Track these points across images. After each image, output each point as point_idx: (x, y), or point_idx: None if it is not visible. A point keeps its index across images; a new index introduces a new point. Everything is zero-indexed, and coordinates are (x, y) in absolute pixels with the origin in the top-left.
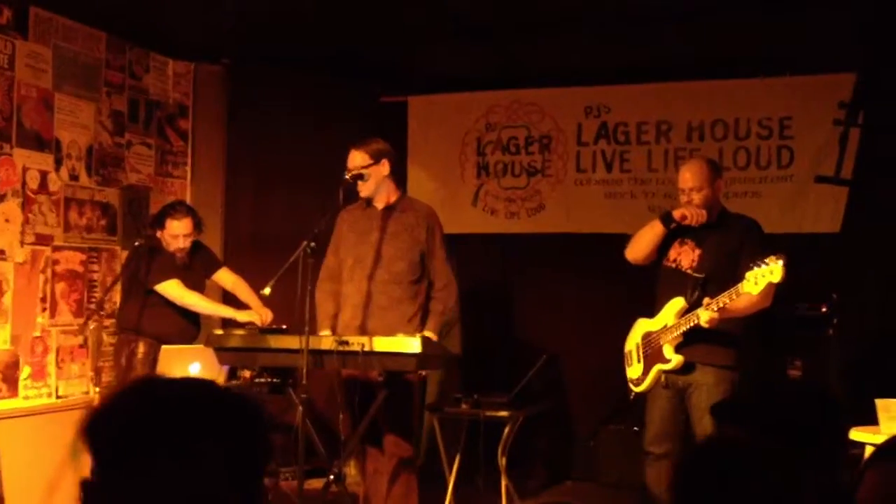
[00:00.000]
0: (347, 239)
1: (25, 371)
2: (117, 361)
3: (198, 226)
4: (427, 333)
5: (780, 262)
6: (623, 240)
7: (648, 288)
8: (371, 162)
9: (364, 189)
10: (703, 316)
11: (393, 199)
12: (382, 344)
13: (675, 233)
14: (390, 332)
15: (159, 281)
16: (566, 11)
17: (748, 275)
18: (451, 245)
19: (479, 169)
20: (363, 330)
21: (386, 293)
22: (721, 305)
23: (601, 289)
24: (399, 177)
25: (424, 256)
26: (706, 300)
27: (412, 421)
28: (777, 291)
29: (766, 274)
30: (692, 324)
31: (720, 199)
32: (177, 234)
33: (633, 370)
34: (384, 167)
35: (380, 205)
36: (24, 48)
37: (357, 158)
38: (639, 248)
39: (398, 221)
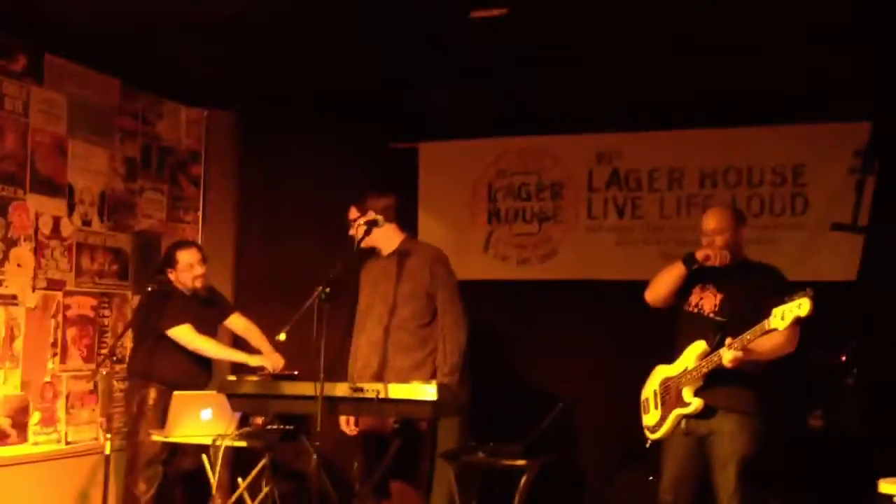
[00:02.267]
0: (364, 290)
1: (35, 416)
2: (128, 408)
3: (204, 258)
4: None
5: (808, 297)
6: (635, 287)
7: (661, 335)
8: (358, 215)
9: (358, 242)
10: (727, 356)
11: (396, 243)
12: (398, 391)
13: (696, 278)
14: (400, 379)
15: (172, 325)
16: (576, 56)
17: (775, 311)
18: (463, 291)
19: (490, 215)
20: (376, 378)
21: (395, 341)
22: (746, 343)
23: (613, 336)
24: (405, 221)
25: (432, 298)
26: (729, 340)
27: (423, 472)
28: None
29: (794, 308)
30: (714, 364)
31: (742, 248)
32: (191, 262)
33: (650, 417)
34: (369, 216)
35: (384, 252)
36: (39, 94)
37: (350, 213)
38: (659, 290)
39: (402, 266)
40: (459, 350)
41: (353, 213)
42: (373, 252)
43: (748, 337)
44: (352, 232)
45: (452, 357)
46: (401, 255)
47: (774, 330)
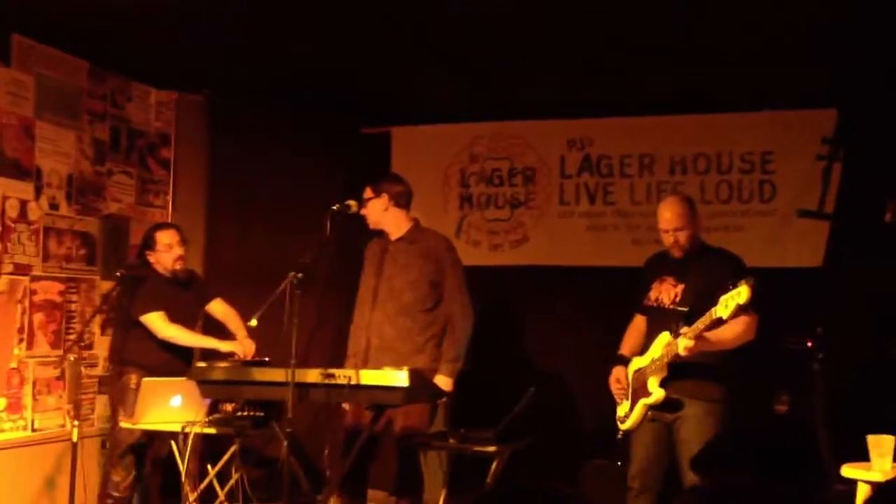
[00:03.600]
0: (367, 271)
1: (1, 403)
2: (111, 393)
3: (183, 240)
4: (440, 378)
5: (747, 285)
6: (606, 273)
7: (630, 320)
8: (372, 196)
9: (369, 221)
10: (681, 343)
11: (404, 230)
12: (369, 377)
13: (653, 272)
14: (399, 362)
15: (143, 312)
16: (549, 44)
17: (720, 299)
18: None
19: (462, 200)
20: (371, 360)
21: (395, 324)
22: (698, 331)
23: (584, 322)
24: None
25: (437, 286)
26: (683, 329)
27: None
28: (761, 325)
29: (735, 296)
30: (673, 353)
31: (700, 234)
32: (170, 242)
33: (622, 407)
34: (383, 200)
35: (392, 236)
36: (6, 75)
37: (365, 192)
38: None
39: (408, 253)
40: (466, 338)
41: (368, 192)
42: (380, 235)
43: (699, 326)
44: (363, 211)
45: (459, 345)
46: (409, 241)
47: (720, 318)
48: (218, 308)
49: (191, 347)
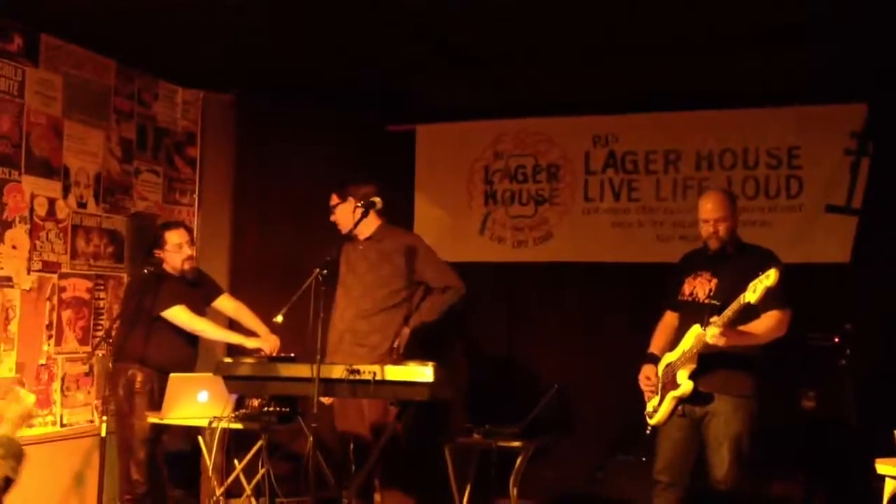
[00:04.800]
0: (342, 271)
1: (31, 399)
2: (115, 390)
3: (192, 239)
4: (402, 336)
5: (775, 268)
6: (631, 269)
7: (657, 317)
8: (338, 201)
9: (340, 226)
10: (709, 332)
11: (373, 229)
12: (394, 373)
13: (688, 268)
14: (372, 354)
15: (167, 307)
16: (572, 41)
17: (749, 285)
18: (459, 273)
19: (487, 197)
20: (346, 355)
21: (369, 319)
22: (727, 319)
23: (609, 318)
24: (399, 205)
25: (410, 281)
26: (713, 318)
27: (412, 476)
28: (791, 321)
29: (763, 280)
30: (702, 343)
31: (737, 230)
32: (179, 242)
33: (652, 403)
34: (350, 204)
35: (362, 237)
36: (35, 75)
37: (331, 199)
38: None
39: (378, 250)
40: (445, 304)
41: (334, 199)
42: (349, 237)
43: (729, 314)
44: (333, 218)
45: (434, 305)
46: (377, 239)
47: (748, 303)
48: (227, 304)
49: (194, 346)
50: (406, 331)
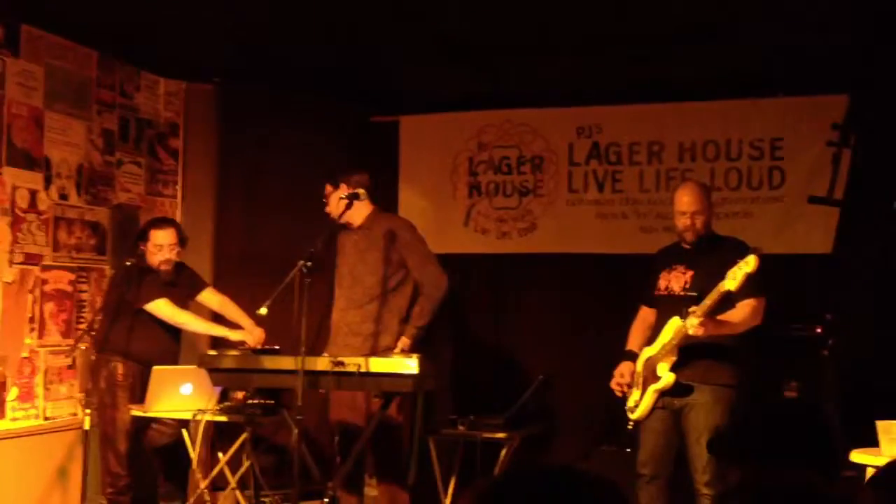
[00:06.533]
0: (337, 262)
1: (13, 392)
2: (96, 383)
3: (182, 241)
4: (402, 339)
5: (754, 254)
6: (615, 260)
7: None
8: (331, 190)
9: (333, 215)
10: (690, 322)
11: (364, 216)
12: (379, 365)
13: (662, 262)
14: (365, 344)
15: (149, 300)
16: (557, 32)
17: (727, 273)
18: (443, 265)
19: (471, 189)
20: (343, 345)
21: (361, 308)
22: (706, 309)
23: (593, 309)
24: (387, 195)
25: (399, 265)
26: (692, 308)
27: (403, 468)
28: (769, 311)
29: (743, 266)
30: (682, 335)
31: (711, 223)
32: (161, 243)
33: (632, 397)
34: (342, 192)
35: (354, 225)
36: (15, 66)
37: (325, 189)
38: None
39: (368, 238)
40: (433, 304)
41: (328, 189)
42: (346, 226)
43: (707, 302)
44: (327, 209)
45: (425, 311)
46: (367, 227)
47: (728, 291)
48: (211, 298)
49: (177, 338)
50: (406, 341)
